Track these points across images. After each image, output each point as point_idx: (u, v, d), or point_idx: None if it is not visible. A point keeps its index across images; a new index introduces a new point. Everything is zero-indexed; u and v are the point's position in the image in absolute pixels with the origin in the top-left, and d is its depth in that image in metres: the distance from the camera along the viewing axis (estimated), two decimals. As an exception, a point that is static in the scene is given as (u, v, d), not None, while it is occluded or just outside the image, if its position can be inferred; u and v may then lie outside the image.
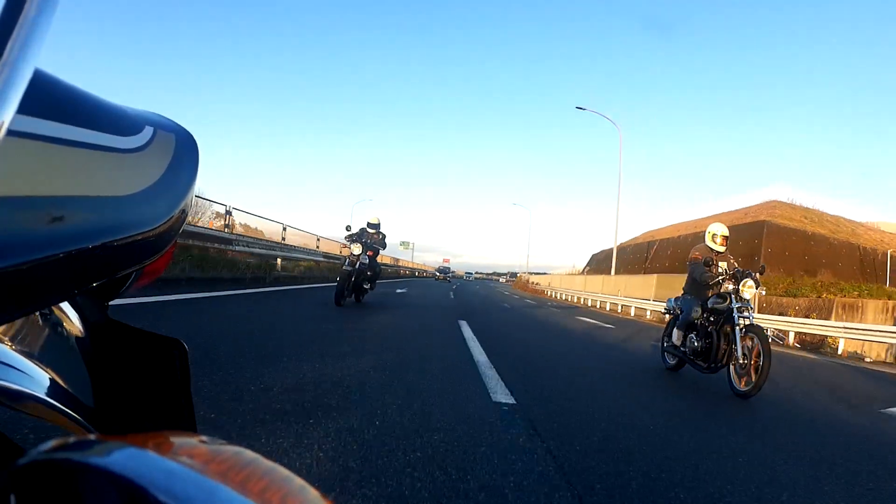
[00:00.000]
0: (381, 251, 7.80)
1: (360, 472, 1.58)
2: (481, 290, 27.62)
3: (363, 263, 7.08)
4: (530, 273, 47.26)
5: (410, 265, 51.20)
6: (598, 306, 19.03)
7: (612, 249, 22.81)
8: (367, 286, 7.74)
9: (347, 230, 7.32)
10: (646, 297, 15.95)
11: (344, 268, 6.96)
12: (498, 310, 11.56)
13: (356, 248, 7.01)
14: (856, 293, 15.47)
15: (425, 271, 53.44)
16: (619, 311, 17.20)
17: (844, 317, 11.88)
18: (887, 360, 9.41)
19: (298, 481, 0.20)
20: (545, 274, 44.61)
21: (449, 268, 51.33)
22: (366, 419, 2.13)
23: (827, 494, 1.97)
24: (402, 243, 66.03)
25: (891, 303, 11.77)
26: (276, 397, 2.30)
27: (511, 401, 2.73)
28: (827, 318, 11.57)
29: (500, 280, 75.41)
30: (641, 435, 2.46)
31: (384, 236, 7.88)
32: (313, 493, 0.20)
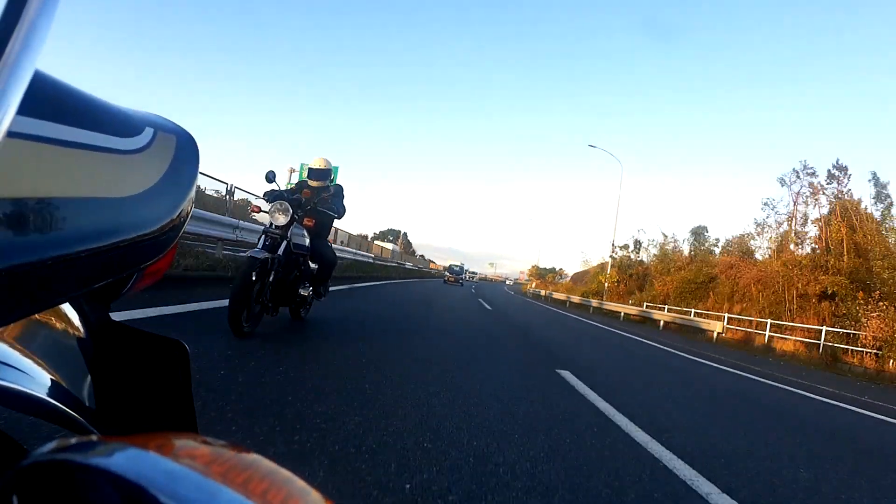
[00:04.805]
0: (335, 218, 4.04)
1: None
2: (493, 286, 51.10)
3: (297, 245, 3.48)
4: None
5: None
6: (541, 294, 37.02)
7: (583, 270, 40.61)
8: (304, 292, 3.82)
9: (268, 181, 3.52)
10: (553, 292, 34.82)
11: (251, 254, 3.12)
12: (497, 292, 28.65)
13: (279, 215, 3.33)
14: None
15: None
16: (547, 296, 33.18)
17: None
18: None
19: (300, 483, 0.20)
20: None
21: (462, 268, 42.11)
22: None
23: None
24: (490, 263, 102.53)
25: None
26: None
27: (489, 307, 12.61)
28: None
29: (507, 282, 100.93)
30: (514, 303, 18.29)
31: (338, 191, 4.02)
32: (314, 494, 0.20)
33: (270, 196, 3.54)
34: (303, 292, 3.81)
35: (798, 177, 17.52)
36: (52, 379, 0.34)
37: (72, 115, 0.25)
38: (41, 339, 0.37)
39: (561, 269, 66.68)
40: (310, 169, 4.01)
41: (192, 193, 0.34)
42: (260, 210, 3.81)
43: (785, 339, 13.55)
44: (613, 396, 3.43)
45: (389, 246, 40.13)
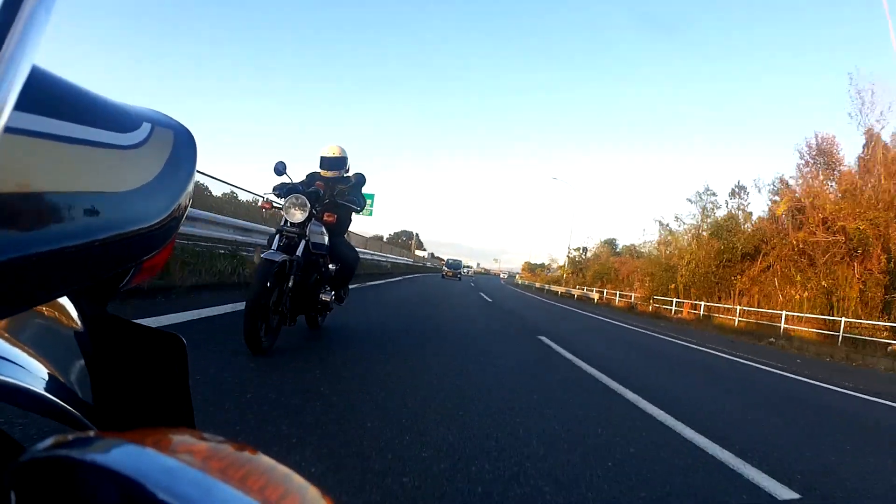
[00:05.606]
0: (354, 212, 3.62)
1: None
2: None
3: (316, 244, 3.09)
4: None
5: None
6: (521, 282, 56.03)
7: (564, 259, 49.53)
8: (326, 297, 3.38)
9: (278, 174, 3.12)
10: (529, 280, 57.31)
11: (266, 256, 2.68)
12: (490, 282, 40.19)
13: (296, 212, 2.93)
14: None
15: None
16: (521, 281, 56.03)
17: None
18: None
19: (298, 479, 0.20)
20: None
21: (461, 262, 41.76)
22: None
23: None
24: (494, 259, 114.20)
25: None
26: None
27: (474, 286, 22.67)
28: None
29: (502, 276, 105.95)
30: (502, 290, 25.51)
31: (359, 181, 3.57)
32: (312, 490, 0.20)
33: (282, 190, 3.12)
34: (324, 297, 3.35)
35: (700, 197, 23.07)
36: (49, 374, 0.34)
37: (69, 110, 0.25)
38: (39, 334, 0.37)
39: (549, 265, 76.91)
40: (322, 157, 3.50)
41: (190, 188, 0.34)
42: (272, 206, 3.25)
43: (624, 299, 24.37)
44: (491, 296, 14.61)
45: (424, 254, 70.99)
